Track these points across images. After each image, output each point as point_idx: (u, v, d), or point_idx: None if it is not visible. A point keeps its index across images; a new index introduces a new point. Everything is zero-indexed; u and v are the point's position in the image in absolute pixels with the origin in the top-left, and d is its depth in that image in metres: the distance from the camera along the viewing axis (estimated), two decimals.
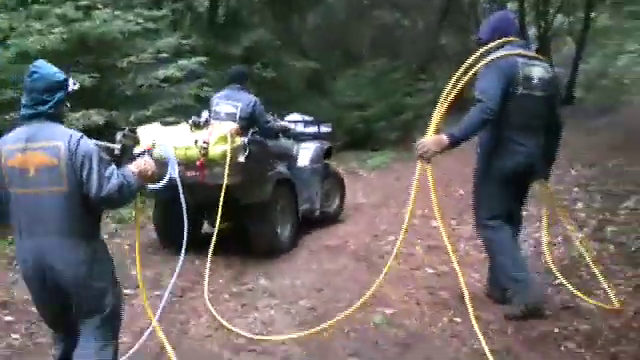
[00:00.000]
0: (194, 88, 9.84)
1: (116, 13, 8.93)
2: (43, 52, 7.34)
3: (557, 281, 4.87)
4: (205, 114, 5.77)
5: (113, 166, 2.99)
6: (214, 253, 5.26)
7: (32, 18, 8.17)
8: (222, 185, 5.25)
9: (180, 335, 4.34)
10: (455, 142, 4.11)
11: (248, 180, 5.62)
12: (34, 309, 4.67)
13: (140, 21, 9.15)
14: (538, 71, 4.32)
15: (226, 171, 5.28)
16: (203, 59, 10.03)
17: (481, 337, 3.67)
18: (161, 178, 3.48)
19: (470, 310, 3.77)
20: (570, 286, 4.71)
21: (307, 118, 7.65)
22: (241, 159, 5.48)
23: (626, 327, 4.06)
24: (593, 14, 26.38)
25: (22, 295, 5.04)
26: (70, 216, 2.90)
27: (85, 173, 2.85)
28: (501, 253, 4.45)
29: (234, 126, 5.65)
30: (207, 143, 5.35)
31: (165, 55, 9.51)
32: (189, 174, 5.33)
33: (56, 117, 2.98)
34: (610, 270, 5.11)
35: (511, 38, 4.40)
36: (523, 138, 4.30)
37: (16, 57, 7.72)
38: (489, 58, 4.27)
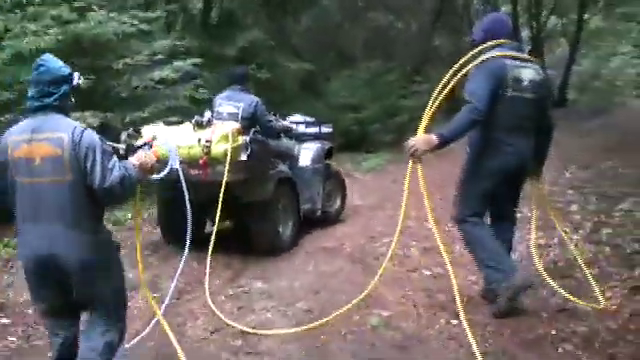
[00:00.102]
0: (189, 89, 9.84)
1: (111, 15, 8.89)
2: (38, 53, 7.32)
3: (555, 283, 4.88)
4: (208, 114, 5.85)
5: (115, 158, 3.07)
6: (211, 254, 5.29)
7: (27, 19, 8.14)
8: (224, 183, 5.32)
9: (178, 337, 4.31)
10: (444, 142, 4.14)
11: (250, 178, 5.73)
12: (30, 311, 4.73)
13: (135, 23, 9.12)
14: (528, 73, 4.34)
15: (227, 168, 5.35)
16: (198, 60, 10.03)
17: (472, 339, 3.66)
18: (162, 171, 3.59)
19: (461, 311, 3.78)
20: (555, 285, 4.73)
21: (308, 119, 7.73)
22: (243, 157, 5.60)
23: (623, 329, 4.07)
24: (586, 16, 26.55)
25: (18, 298, 5.04)
26: (74, 205, 2.97)
27: (89, 164, 2.93)
28: (481, 245, 4.48)
29: (236, 125, 5.73)
30: (210, 142, 5.44)
31: (160, 57, 9.49)
32: (192, 172, 5.41)
33: (61, 110, 3.07)
34: (606, 272, 5.12)
35: (503, 40, 4.41)
36: (513, 139, 4.32)
37: (11, 59, 7.73)
38: (479, 60, 4.30)
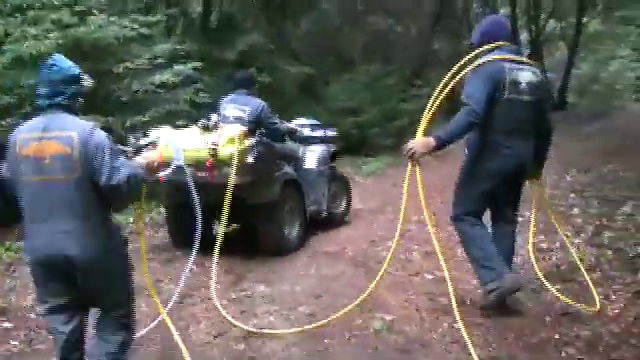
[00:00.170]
0: (189, 93, 9.85)
1: (111, 19, 8.91)
2: (38, 57, 7.33)
3: (558, 287, 4.87)
4: (214, 117, 5.94)
5: (123, 157, 3.11)
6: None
7: (27, 23, 8.15)
8: (231, 185, 5.34)
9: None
10: (441, 144, 4.18)
11: (256, 180, 5.79)
12: (33, 315, 4.72)
13: (135, 27, 9.15)
14: (526, 75, 4.34)
15: (233, 170, 5.37)
16: (198, 64, 10.03)
17: (469, 342, 3.68)
18: (167, 169, 3.69)
19: (457, 315, 3.81)
20: (550, 286, 4.74)
21: (313, 122, 7.79)
22: (249, 160, 5.67)
23: (626, 333, 4.07)
24: (585, 19, 26.59)
25: (21, 302, 5.03)
26: (83, 200, 3.00)
27: (97, 163, 2.96)
28: (475, 245, 4.51)
29: (242, 128, 5.79)
30: (216, 145, 5.52)
31: (160, 60, 9.52)
32: (199, 175, 5.46)
33: (70, 109, 3.10)
34: (609, 276, 5.12)
35: (501, 42, 4.42)
36: (511, 141, 4.33)
37: (11, 63, 7.73)
38: (476, 63, 4.31)
